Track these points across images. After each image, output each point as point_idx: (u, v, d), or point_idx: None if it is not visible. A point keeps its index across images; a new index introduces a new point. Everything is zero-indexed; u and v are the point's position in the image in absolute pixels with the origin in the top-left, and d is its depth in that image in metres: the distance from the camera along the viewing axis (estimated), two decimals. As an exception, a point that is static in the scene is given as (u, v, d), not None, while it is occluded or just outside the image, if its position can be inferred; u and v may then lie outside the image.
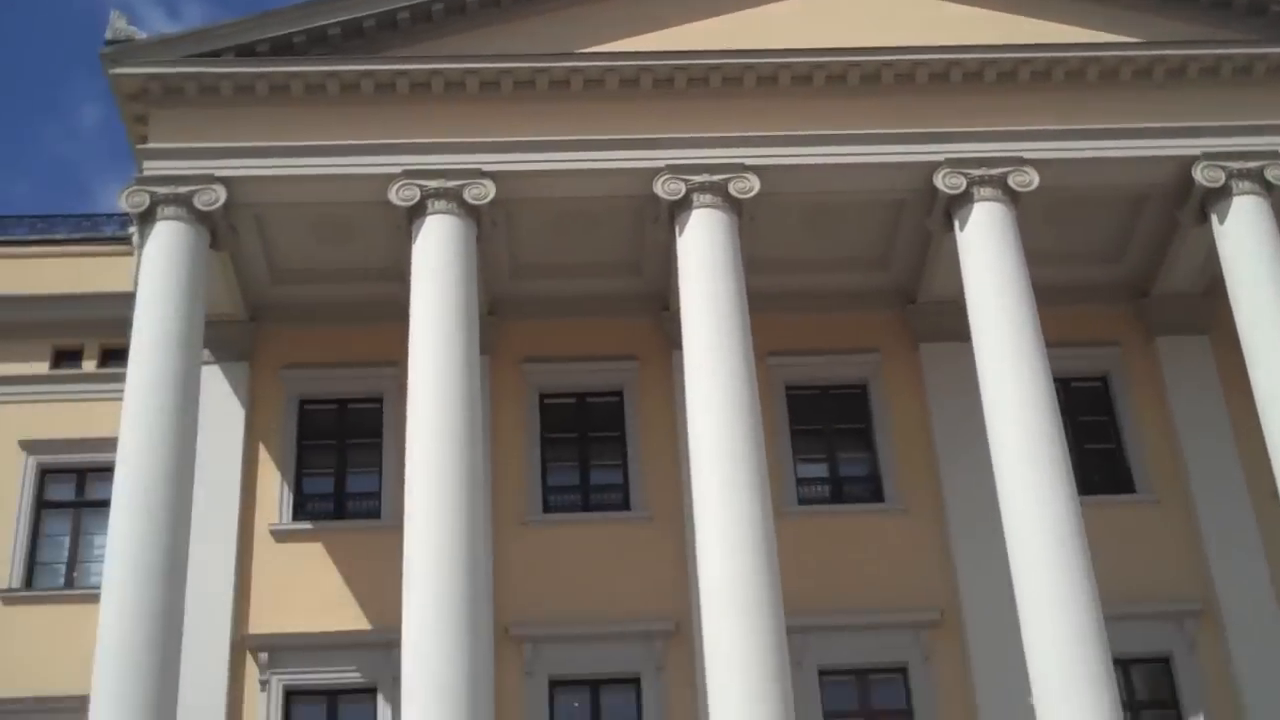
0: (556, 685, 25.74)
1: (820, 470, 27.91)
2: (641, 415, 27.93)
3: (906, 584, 26.31)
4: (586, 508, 27.44)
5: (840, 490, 27.74)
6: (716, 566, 22.44)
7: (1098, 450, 28.09)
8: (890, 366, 28.36)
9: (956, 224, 25.63)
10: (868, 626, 25.94)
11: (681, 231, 25.29)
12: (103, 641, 21.83)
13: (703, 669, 22.69)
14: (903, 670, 25.91)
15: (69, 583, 27.27)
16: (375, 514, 26.92)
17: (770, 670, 21.65)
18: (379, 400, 27.98)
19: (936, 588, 26.32)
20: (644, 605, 26.00)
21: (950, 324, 27.11)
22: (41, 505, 27.92)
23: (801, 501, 27.27)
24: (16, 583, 26.98)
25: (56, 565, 27.52)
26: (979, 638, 25.63)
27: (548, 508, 27.28)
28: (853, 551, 26.54)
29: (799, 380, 28.38)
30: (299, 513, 27.08)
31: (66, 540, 27.69)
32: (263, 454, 27.32)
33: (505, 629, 25.66)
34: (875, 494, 27.52)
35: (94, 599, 23.81)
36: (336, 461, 27.76)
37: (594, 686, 25.84)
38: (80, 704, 22.88)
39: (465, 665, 21.70)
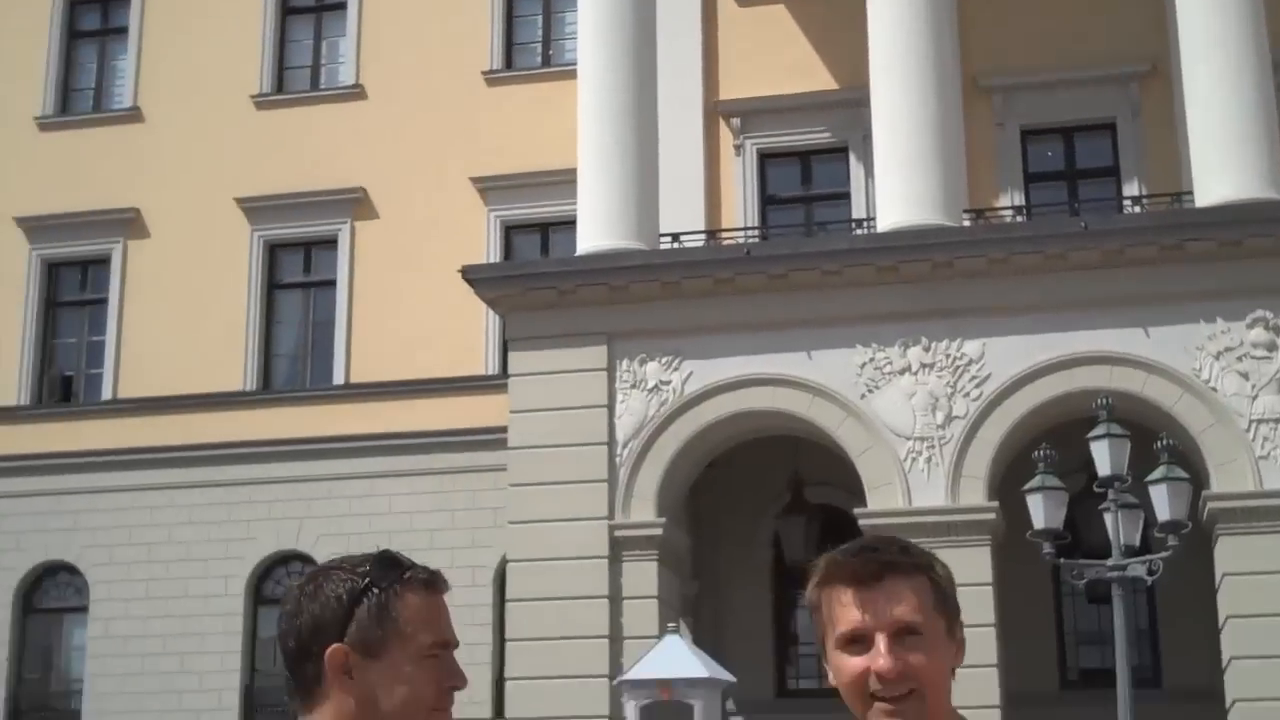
0: (1028, 134, 25.43)
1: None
2: None
3: None
4: (1053, -51, 26.34)
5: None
6: (1195, 2, 21.42)
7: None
8: None
9: None
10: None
11: None
12: (584, 115, 22.73)
13: (1182, 111, 21.98)
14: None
15: (545, 60, 28.11)
16: (834, -30, 26.59)
17: (1253, 108, 20.84)
18: None
19: None
20: (1117, 47, 25.05)
21: None
22: (515, -15, 28.55)
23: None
24: (498, 64, 27.95)
25: (532, 45, 28.32)
26: None
27: (1012, -49, 26.31)
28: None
29: None
30: (760, -24, 26.97)
31: (539, 20, 28.36)
32: (718, -82, 27.10)
33: (973, 80, 25.28)
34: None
35: (570, 75, 24.59)
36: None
37: (1067, 134, 25.44)
38: (566, 177, 24.01)
39: (935, 119, 21.69)
